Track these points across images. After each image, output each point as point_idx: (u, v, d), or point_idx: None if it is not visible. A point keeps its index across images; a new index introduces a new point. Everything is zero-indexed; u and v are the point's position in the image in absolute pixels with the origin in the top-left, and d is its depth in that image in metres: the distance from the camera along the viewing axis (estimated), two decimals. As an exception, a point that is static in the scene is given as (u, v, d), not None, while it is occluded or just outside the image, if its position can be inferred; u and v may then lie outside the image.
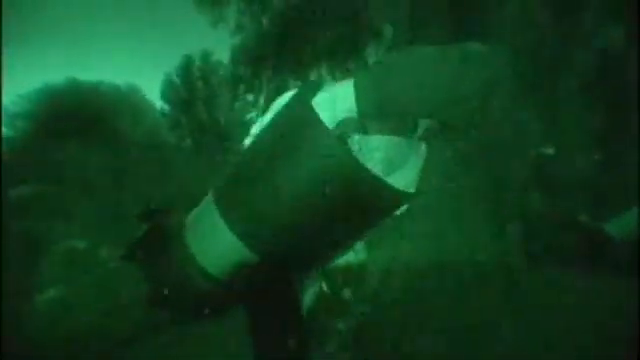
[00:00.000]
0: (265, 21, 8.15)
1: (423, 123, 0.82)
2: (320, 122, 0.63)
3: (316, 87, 0.71)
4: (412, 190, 0.77)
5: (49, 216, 3.81)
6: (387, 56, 0.72)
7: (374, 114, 0.70)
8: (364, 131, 0.75)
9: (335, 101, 0.70)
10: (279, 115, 0.68)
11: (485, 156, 0.82)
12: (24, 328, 2.99)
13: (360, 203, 0.64)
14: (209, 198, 0.69)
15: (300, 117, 0.65)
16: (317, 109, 0.65)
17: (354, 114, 0.70)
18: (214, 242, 0.67)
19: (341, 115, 0.69)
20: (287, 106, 0.68)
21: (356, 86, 0.71)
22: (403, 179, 0.83)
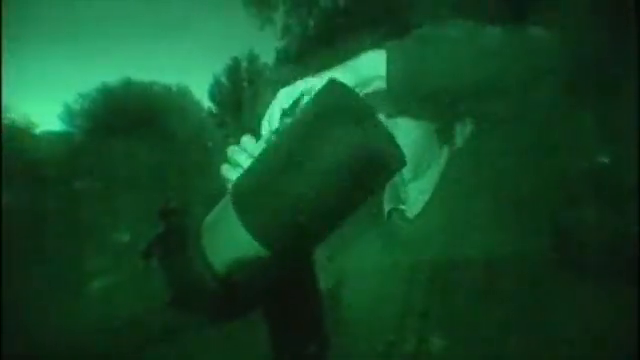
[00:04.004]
0: (311, 23, 8.22)
1: (464, 129, 0.75)
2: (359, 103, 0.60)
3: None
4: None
5: (98, 209, 4.01)
6: (427, 27, 0.62)
7: (405, 90, 0.61)
8: (391, 112, 0.69)
9: (360, 66, 0.61)
10: (311, 104, 0.66)
11: (524, 158, 0.75)
12: (72, 316, 3.15)
13: (372, 176, 0.63)
14: (227, 197, 0.68)
15: (337, 100, 0.62)
16: (337, 73, 0.60)
17: (381, 85, 0.60)
18: (228, 241, 0.66)
19: (364, 83, 0.60)
20: (320, 94, 0.66)
21: (389, 57, 0.60)
22: (423, 183, 0.79)
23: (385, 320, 0.74)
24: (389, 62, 0.60)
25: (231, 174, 0.62)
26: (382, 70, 0.60)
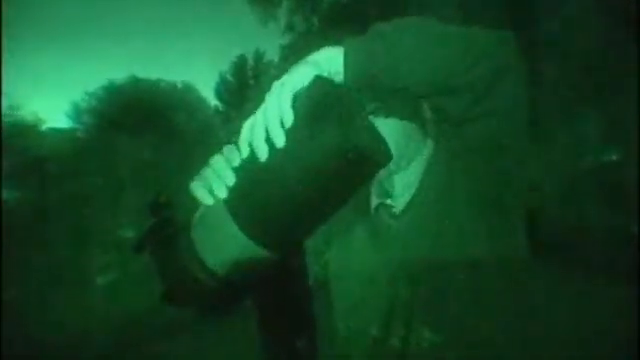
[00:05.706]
0: (315, 20, 8.19)
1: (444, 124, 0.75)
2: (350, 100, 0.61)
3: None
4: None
5: (103, 206, 4.03)
6: (386, 24, 0.62)
7: (361, 85, 0.62)
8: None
9: (320, 62, 0.61)
10: (297, 101, 0.65)
11: (490, 157, 0.74)
12: (76, 313, 3.18)
13: (359, 171, 0.62)
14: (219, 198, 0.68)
15: (326, 97, 0.62)
16: (300, 68, 0.61)
17: (340, 80, 0.62)
18: (220, 239, 0.65)
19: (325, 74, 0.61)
20: (306, 91, 0.65)
21: (346, 52, 0.61)
22: (408, 176, 0.79)
23: (373, 314, 0.74)
24: (346, 58, 0.61)
25: (200, 193, 0.62)
26: (341, 65, 0.61)
